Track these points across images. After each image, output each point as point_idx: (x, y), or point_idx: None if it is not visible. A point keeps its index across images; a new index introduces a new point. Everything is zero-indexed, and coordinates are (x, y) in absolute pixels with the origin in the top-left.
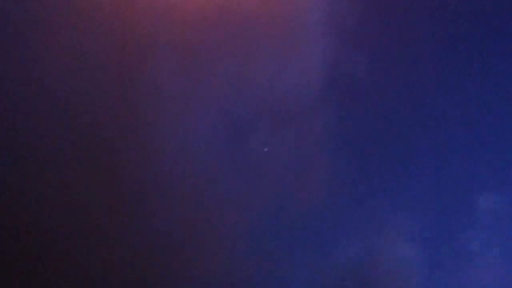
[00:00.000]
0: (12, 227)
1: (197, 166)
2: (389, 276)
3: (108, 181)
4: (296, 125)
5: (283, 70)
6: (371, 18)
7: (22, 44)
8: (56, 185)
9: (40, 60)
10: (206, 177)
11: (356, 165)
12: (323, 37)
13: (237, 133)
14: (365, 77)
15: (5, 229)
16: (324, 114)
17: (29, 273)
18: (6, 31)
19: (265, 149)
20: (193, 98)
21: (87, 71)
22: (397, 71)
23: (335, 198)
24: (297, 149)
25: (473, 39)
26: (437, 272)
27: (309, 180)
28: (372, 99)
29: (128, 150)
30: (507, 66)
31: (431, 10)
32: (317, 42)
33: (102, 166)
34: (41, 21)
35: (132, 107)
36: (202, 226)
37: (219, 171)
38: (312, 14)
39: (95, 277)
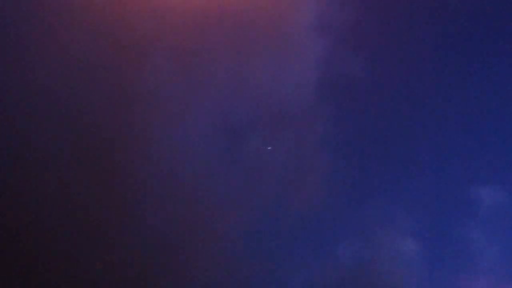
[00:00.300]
0: (11, 226)
1: (196, 167)
2: (390, 273)
3: (108, 181)
4: (294, 126)
5: (281, 71)
6: (368, 18)
7: (21, 45)
8: (55, 184)
9: (39, 61)
10: (206, 177)
11: (356, 163)
12: (320, 38)
13: (236, 134)
14: (363, 76)
15: (4, 229)
16: (323, 114)
17: (27, 271)
18: (5, 31)
19: (269, 148)
20: (192, 99)
21: (87, 72)
22: (395, 70)
23: (334, 197)
24: (296, 149)
25: (470, 38)
26: (437, 267)
27: (309, 180)
28: (370, 98)
29: (127, 151)
30: (504, 62)
31: (429, 10)
32: (315, 43)
33: (102, 166)
34: (40, 22)
35: (131, 108)
36: (202, 226)
37: (219, 172)
38: (310, 16)
39: (93, 275)
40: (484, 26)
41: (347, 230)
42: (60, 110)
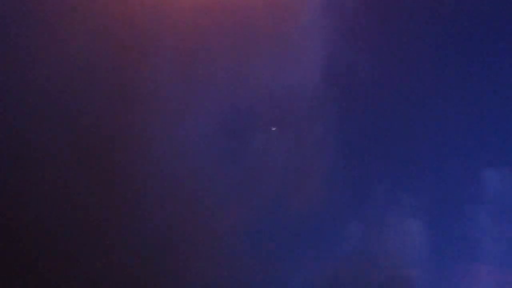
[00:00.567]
0: (9, 225)
1: (196, 165)
2: (396, 256)
3: (107, 180)
4: (296, 122)
5: (283, 68)
6: (370, 15)
7: (20, 45)
8: (54, 183)
9: (37, 59)
10: (206, 176)
11: (361, 147)
12: (322, 34)
13: (236, 132)
14: (365, 73)
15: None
16: (324, 110)
17: (25, 270)
18: (5, 31)
19: (273, 128)
20: (192, 98)
21: (86, 72)
22: (397, 66)
23: (340, 181)
24: (297, 146)
25: (470, 35)
26: (443, 250)
27: (310, 174)
28: (373, 90)
29: (127, 149)
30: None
31: (430, 8)
32: (317, 39)
33: (101, 165)
34: (40, 22)
35: (131, 107)
36: (202, 225)
37: (219, 171)
38: (311, 12)
39: (93, 274)
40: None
41: (353, 214)
42: (59, 109)
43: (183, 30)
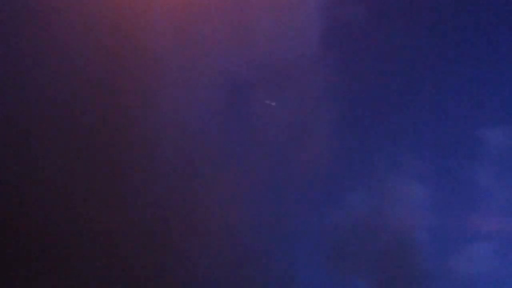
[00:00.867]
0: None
1: (199, 125)
2: (399, 218)
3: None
4: (296, 82)
5: (282, 29)
6: None
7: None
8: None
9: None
10: (209, 136)
11: (361, 112)
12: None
13: (238, 90)
14: (363, 32)
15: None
16: (323, 75)
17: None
18: None
19: (273, 103)
20: (193, 57)
21: (89, 38)
22: (396, 29)
23: (341, 146)
24: (298, 106)
25: None
26: (445, 209)
27: (315, 132)
28: (374, 46)
29: (130, 112)
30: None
31: None
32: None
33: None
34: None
35: (133, 70)
36: (205, 185)
37: (222, 130)
38: None
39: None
40: None
41: (356, 178)
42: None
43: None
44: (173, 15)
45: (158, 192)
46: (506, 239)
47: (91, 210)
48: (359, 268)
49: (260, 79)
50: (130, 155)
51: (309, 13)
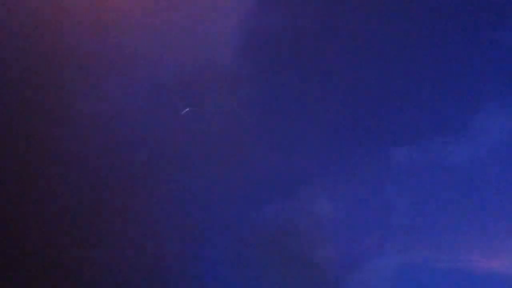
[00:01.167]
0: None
1: (119, 132)
2: (310, 232)
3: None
4: (218, 88)
5: (203, 33)
6: None
7: None
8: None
9: None
10: (129, 141)
11: (278, 123)
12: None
13: (160, 98)
14: (284, 36)
15: None
16: (245, 76)
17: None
18: None
19: (187, 109)
20: (114, 61)
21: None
22: (316, 29)
23: (256, 158)
24: (219, 111)
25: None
26: (355, 226)
27: (231, 140)
28: (293, 56)
29: (55, 111)
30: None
31: None
32: (236, 3)
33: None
34: None
35: (56, 74)
36: (126, 190)
37: (142, 137)
38: None
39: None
40: None
41: (268, 191)
42: None
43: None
44: (99, 17)
45: (81, 191)
46: (407, 257)
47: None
48: (267, 276)
49: (181, 84)
50: (58, 153)
51: (233, 19)
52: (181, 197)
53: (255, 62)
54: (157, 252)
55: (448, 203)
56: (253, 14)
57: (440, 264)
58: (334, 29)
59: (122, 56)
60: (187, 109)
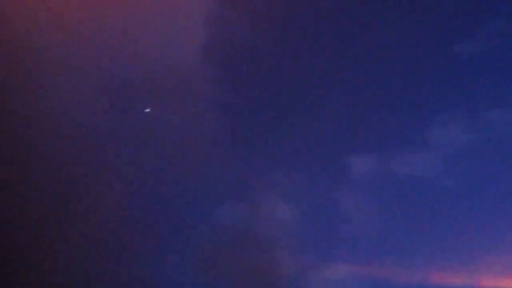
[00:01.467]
0: None
1: (77, 134)
2: (268, 235)
3: None
4: (177, 87)
5: (164, 34)
6: None
7: None
8: None
9: None
10: (87, 142)
11: (239, 126)
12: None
13: (119, 96)
14: (248, 39)
15: None
16: (205, 76)
17: None
18: None
19: (147, 110)
20: (73, 59)
21: None
22: (281, 34)
23: (217, 161)
24: (177, 111)
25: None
26: (312, 230)
27: (189, 144)
28: (254, 61)
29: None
30: None
31: None
32: (201, 5)
33: None
34: None
35: (12, 68)
36: (81, 187)
37: (100, 139)
38: None
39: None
40: None
41: (228, 193)
42: None
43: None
44: (59, 16)
45: (31, 191)
46: (361, 259)
47: None
48: (225, 280)
49: (139, 83)
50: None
51: (192, 22)
52: (137, 198)
53: (218, 63)
54: (109, 255)
55: (403, 213)
56: (217, 15)
57: (392, 274)
58: (301, 34)
59: (82, 55)
60: (148, 109)
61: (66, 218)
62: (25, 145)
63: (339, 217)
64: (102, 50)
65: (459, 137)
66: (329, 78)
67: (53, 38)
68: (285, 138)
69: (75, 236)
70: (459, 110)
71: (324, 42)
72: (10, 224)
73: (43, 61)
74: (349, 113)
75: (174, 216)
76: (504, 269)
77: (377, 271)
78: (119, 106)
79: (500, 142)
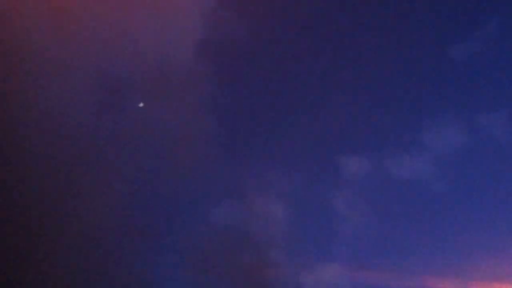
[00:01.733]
0: None
1: (73, 125)
2: (261, 234)
3: None
4: (173, 86)
5: (161, 31)
6: None
7: None
8: None
9: None
10: (81, 138)
11: (233, 126)
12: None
13: (114, 97)
14: (245, 37)
15: None
16: (201, 76)
17: None
18: None
19: (141, 104)
20: (68, 63)
21: None
22: (277, 32)
23: (211, 160)
24: (173, 111)
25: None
26: (304, 230)
27: (185, 143)
28: (251, 59)
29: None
30: None
31: None
32: (195, 2)
33: None
34: None
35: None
36: (75, 187)
37: (96, 131)
38: None
39: None
40: None
41: (222, 192)
42: None
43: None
44: (53, 13)
45: (24, 190)
46: (354, 259)
47: None
48: (220, 280)
49: (136, 82)
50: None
51: (188, 22)
52: (132, 197)
53: (215, 61)
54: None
55: (396, 214)
56: (214, 13)
57: (385, 276)
58: (297, 34)
59: (76, 52)
60: (142, 104)
61: (61, 217)
62: (21, 144)
63: (333, 217)
64: (98, 48)
65: (453, 139)
66: (325, 79)
67: (48, 36)
68: (281, 138)
69: (70, 234)
70: (453, 113)
71: (320, 42)
72: (4, 224)
73: (38, 59)
74: (344, 114)
75: (170, 215)
76: (496, 273)
77: (370, 272)
78: (115, 105)
79: (493, 145)
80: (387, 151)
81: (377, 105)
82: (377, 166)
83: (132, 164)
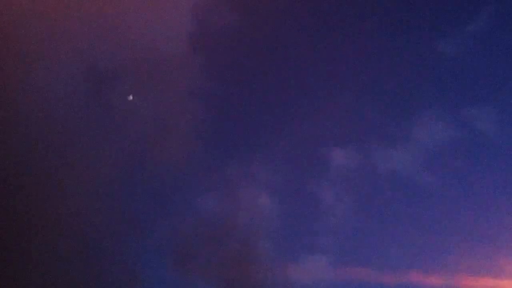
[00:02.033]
0: None
1: (58, 117)
2: (247, 226)
3: None
4: (161, 78)
5: (151, 23)
6: None
7: None
8: None
9: None
10: (67, 128)
11: (222, 117)
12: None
13: (102, 80)
14: (235, 28)
15: None
16: (190, 68)
17: None
18: None
19: (130, 97)
20: (54, 54)
21: None
22: (268, 24)
23: (198, 151)
24: (160, 101)
25: None
26: (290, 222)
27: (172, 134)
28: (240, 51)
29: None
30: None
31: None
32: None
33: None
34: None
35: None
36: (60, 181)
37: (83, 119)
38: None
39: None
40: None
41: (208, 184)
42: None
43: None
44: (39, 5)
45: (9, 183)
46: (340, 252)
47: None
48: (204, 272)
49: (125, 74)
50: None
51: (179, 13)
52: (117, 188)
53: (203, 52)
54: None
55: (382, 207)
56: (204, 3)
57: (370, 269)
58: (288, 26)
59: (65, 45)
60: (131, 97)
61: (45, 210)
62: (7, 136)
63: (320, 209)
64: (88, 39)
65: (441, 133)
66: (314, 73)
67: (33, 25)
68: (268, 130)
69: (55, 226)
70: (441, 107)
71: (310, 36)
72: None
73: (25, 50)
74: (331, 107)
75: (155, 206)
76: (482, 267)
77: (356, 264)
78: (102, 95)
79: (480, 139)
80: (374, 145)
81: (365, 99)
82: (365, 159)
83: (120, 155)
